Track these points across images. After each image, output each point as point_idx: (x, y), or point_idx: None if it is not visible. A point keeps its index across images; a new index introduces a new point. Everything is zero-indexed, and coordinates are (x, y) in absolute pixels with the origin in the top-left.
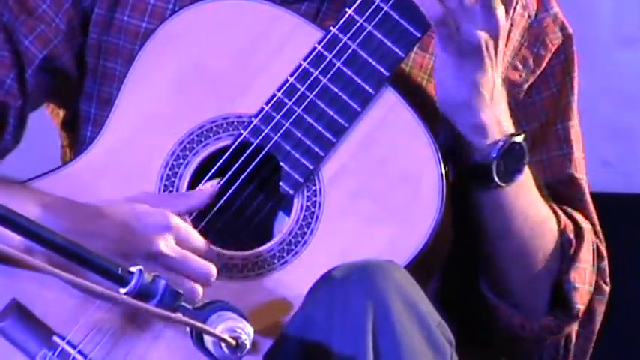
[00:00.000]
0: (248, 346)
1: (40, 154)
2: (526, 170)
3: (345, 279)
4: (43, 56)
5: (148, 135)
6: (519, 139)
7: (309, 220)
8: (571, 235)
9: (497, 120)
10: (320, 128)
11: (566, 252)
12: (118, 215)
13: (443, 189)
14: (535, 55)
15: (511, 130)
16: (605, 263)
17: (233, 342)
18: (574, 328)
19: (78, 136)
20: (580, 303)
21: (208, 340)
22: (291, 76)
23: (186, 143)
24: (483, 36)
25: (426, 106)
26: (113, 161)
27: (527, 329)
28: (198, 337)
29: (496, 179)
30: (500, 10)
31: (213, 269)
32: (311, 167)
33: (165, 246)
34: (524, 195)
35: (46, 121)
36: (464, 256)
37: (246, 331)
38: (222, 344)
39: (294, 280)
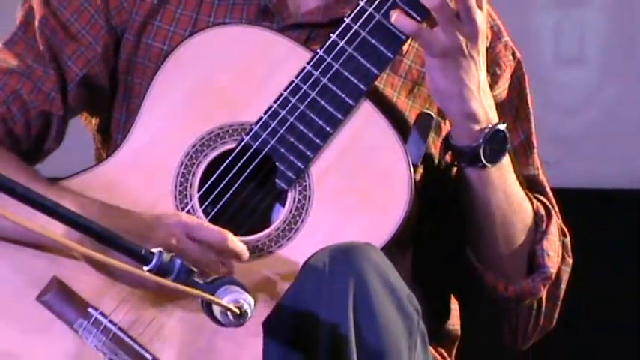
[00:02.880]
0: (250, 314)
1: (78, 154)
2: (507, 156)
3: (331, 258)
4: (82, 74)
5: (166, 139)
6: (502, 127)
7: (301, 210)
8: (542, 212)
9: (484, 109)
10: (309, 134)
11: (539, 226)
12: (142, 217)
13: (412, 184)
14: (492, 74)
15: (496, 119)
16: (568, 239)
17: (237, 311)
18: (544, 293)
19: (110, 139)
20: (552, 267)
21: (216, 309)
22: (285, 90)
23: (197, 146)
24: (463, 39)
25: (395, 117)
26: (138, 161)
27: (510, 291)
28: (207, 306)
29: (483, 160)
30: (478, 16)
31: (224, 265)
32: (302, 166)
33: (177, 242)
34: (505, 176)
35: (82, 128)
36: (453, 234)
37: (248, 302)
38: (228, 313)
39: (289, 260)
